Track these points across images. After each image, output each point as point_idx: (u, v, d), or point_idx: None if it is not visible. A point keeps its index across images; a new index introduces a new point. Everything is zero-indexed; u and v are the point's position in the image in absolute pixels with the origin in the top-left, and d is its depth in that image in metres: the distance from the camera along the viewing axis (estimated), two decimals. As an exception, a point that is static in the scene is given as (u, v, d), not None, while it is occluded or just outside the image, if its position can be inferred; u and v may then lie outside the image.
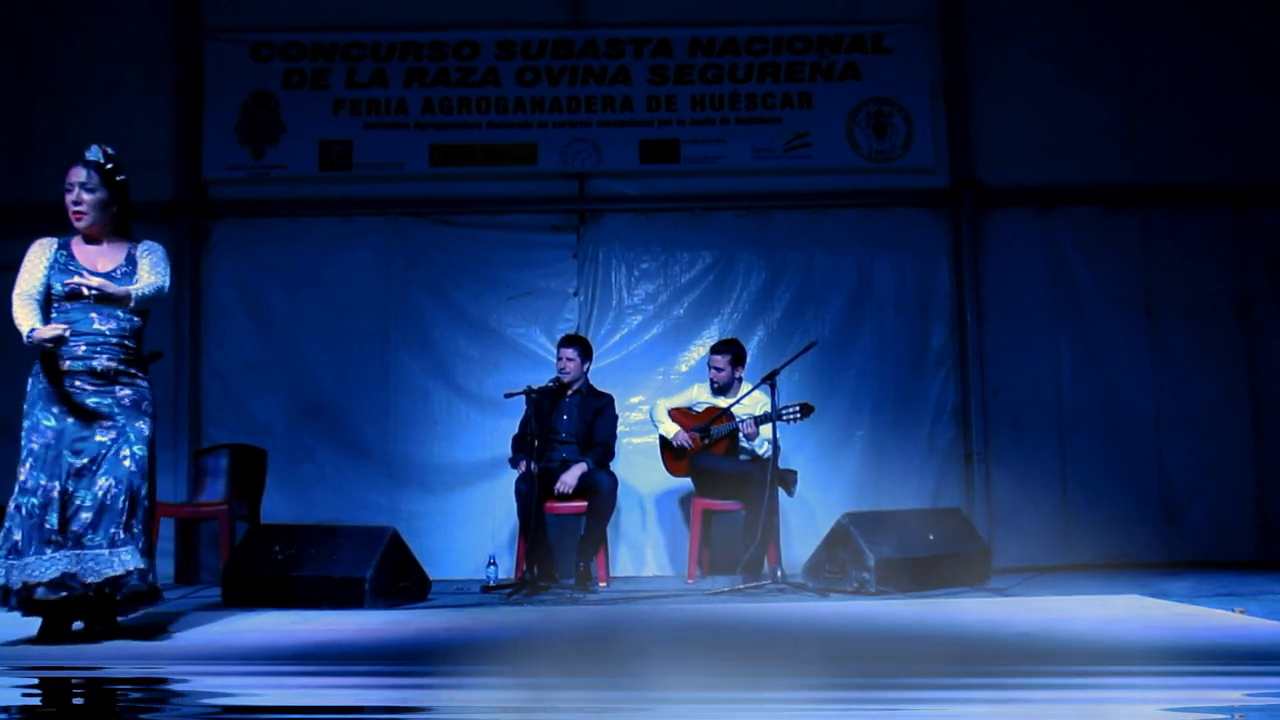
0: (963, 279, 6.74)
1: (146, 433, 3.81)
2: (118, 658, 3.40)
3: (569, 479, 5.53)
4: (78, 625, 3.79)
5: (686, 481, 5.97)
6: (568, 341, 5.88)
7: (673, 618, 4.27)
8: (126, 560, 3.66)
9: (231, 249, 6.80)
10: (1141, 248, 6.83)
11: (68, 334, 3.62)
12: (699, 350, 6.68)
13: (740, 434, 5.66)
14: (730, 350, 5.91)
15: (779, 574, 5.15)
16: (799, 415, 5.47)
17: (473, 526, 6.52)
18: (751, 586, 5.07)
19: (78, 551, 3.63)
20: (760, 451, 5.70)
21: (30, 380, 3.79)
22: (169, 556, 6.25)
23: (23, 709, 2.63)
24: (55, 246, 3.84)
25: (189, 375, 6.61)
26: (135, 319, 3.86)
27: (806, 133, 6.85)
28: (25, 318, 3.70)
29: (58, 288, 3.75)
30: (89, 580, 3.62)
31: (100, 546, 3.65)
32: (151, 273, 3.88)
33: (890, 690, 2.73)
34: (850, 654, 3.38)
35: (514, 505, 5.57)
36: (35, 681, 2.98)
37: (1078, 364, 6.75)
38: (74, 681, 3.00)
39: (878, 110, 6.86)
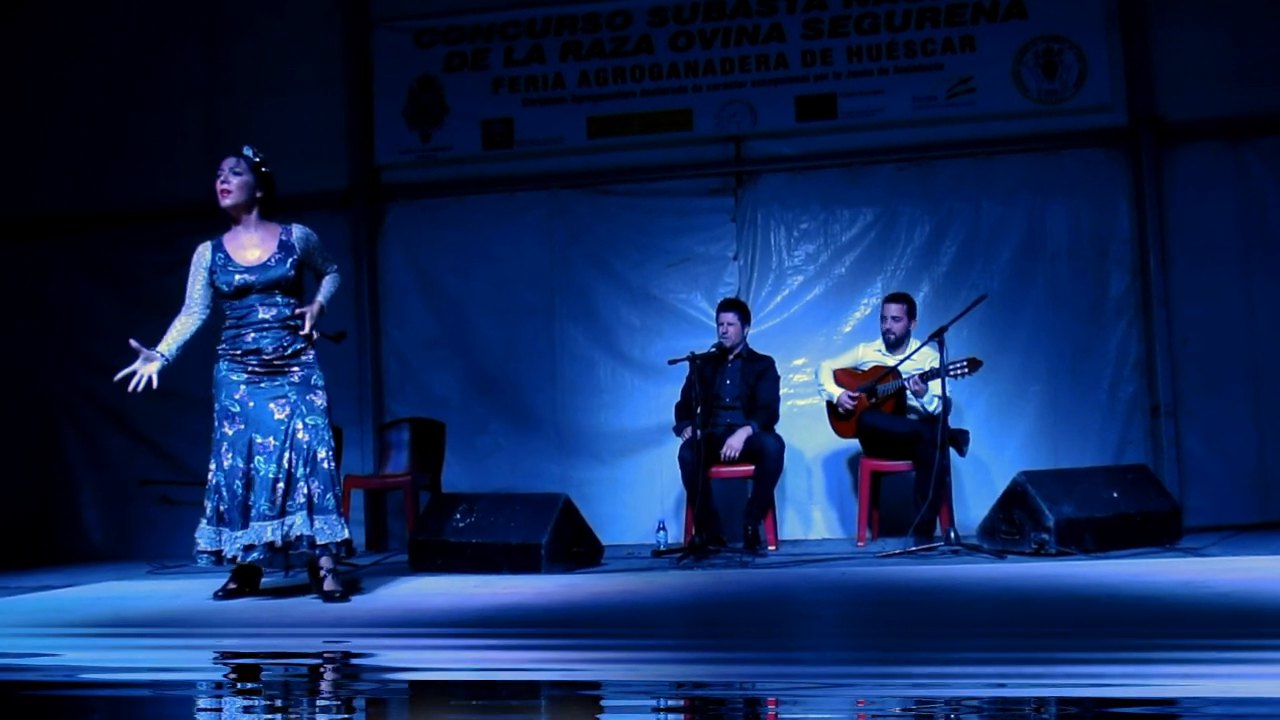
0: (1145, 222, 6.36)
1: (319, 404, 4.16)
2: (309, 624, 3.64)
3: (735, 443, 5.54)
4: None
5: (854, 443, 5.91)
6: (727, 306, 5.88)
7: (844, 581, 4.25)
8: (334, 527, 4.06)
9: (404, 231, 7.10)
10: (1348, 179, 6.29)
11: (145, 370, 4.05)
12: (863, 310, 6.56)
13: (908, 391, 5.55)
14: (906, 300, 5.78)
15: (952, 535, 5.05)
16: (966, 370, 5.31)
17: (641, 492, 6.63)
18: (924, 549, 4.99)
19: (277, 520, 4.02)
20: (930, 409, 5.58)
21: (215, 366, 4.18)
22: (360, 525, 6.63)
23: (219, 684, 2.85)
24: (210, 251, 4.20)
25: (371, 353, 6.96)
26: (295, 303, 4.20)
27: (970, 78, 6.59)
28: (168, 337, 4.17)
29: (224, 288, 4.14)
30: (284, 542, 4.01)
31: (295, 512, 4.02)
32: (325, 267, 4.32)
33: (1081, 654, 2.64)
34: (1035, 618, 3.29)
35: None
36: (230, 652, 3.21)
37: (1275, 309, 6.27)
38: (260, 652, 3.22)
39: (1046, 49, 6.53)
